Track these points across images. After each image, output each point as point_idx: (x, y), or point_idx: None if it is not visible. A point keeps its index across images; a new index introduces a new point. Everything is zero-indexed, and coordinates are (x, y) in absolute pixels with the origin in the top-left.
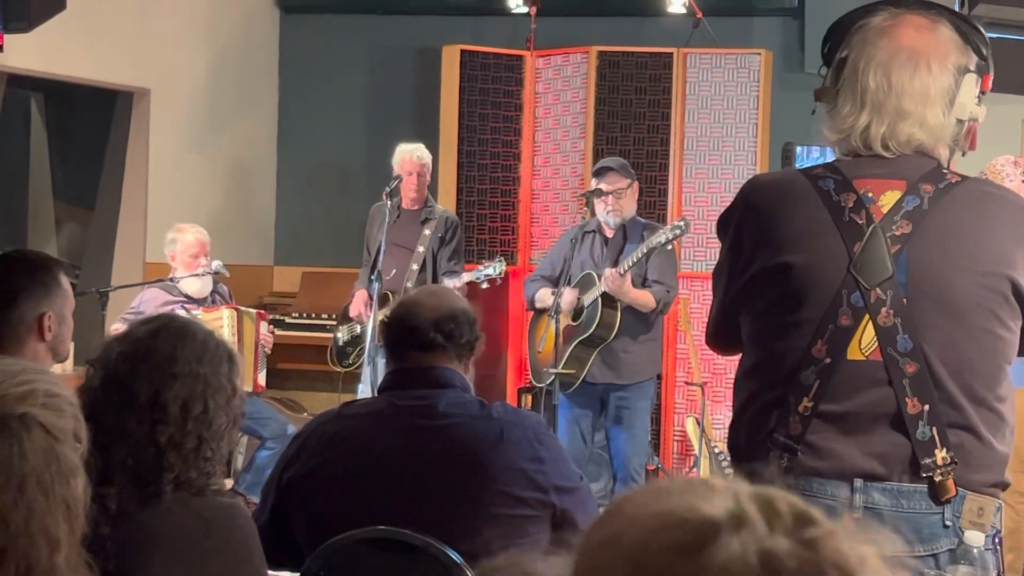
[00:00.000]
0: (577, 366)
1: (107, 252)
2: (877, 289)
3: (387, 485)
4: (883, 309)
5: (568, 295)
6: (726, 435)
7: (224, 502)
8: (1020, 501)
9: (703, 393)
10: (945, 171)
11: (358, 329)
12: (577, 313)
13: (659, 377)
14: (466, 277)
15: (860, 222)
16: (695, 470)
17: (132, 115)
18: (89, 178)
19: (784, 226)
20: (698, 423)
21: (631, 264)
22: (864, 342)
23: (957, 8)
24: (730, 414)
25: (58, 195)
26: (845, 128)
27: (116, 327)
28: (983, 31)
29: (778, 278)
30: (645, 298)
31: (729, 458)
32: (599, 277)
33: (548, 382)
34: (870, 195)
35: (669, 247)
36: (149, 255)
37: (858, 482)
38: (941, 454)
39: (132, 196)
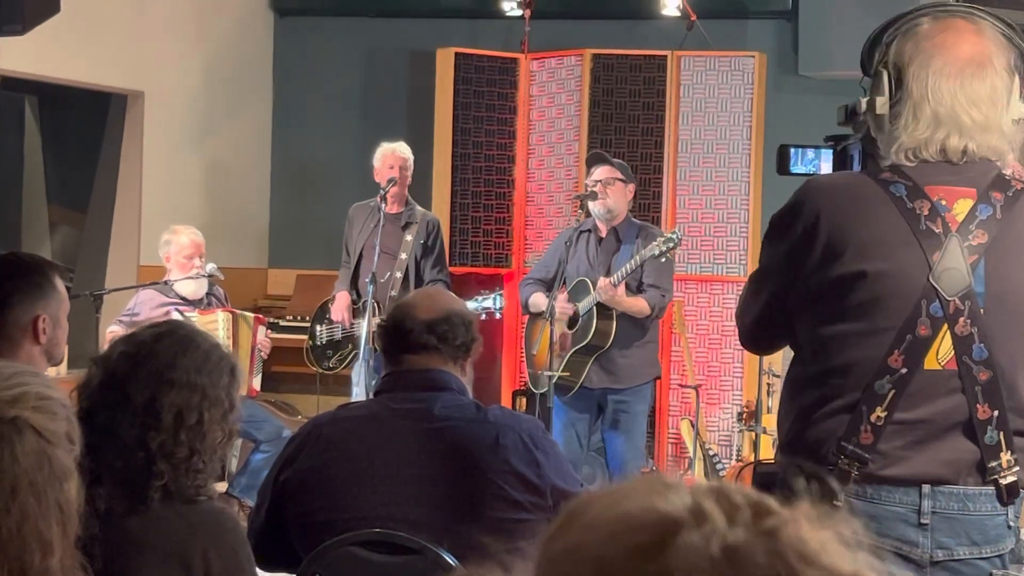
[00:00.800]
0: (574, 372)
1: (101, 255)
2: (956, 299)
3: (383, 488)
4: (961, 319)
5: (562, 300)
6: (722, 438)
7: (212, 507)
8: None
9: (698, 396)
10: (1008, 177)
11: (338, 334)
12: (572, 321)
13: (657, 379)
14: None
15: (937, 231)
16: (690, 472)
17: (126, 118)
18: (83, 181)
19: (860, 232)
20: (692, 426)
21: (624, 275)
22: (941, 352)
23: None
24: (724, 416)
25: (52, 198)
26: (921, 139)
27: (112, 330)
28: (1020, 31)
29: (854, 286)
30: (640, 305)
31: (783, 462)
32: (593, 284)
33: (543, 390)
34: (943, 203)
35: (663, 259)
36: (143, 258)
37: (926, 488)
38: (1006, 457)
39: (126, 199)
